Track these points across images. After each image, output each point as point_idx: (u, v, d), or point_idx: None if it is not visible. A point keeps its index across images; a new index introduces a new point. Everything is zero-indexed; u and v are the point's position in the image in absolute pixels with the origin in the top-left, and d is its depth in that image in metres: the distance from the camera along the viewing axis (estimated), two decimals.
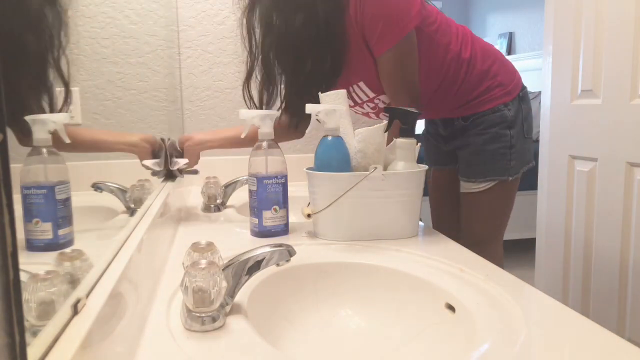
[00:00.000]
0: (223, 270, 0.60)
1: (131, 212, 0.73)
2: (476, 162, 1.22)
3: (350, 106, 1.23)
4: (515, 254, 3.02)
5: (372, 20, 1.05)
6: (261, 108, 1.20)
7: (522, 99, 1.22)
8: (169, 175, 1.20)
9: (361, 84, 1.18)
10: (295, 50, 1.11)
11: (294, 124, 1.23)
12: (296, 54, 1.11)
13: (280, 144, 1.00)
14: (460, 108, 1.22)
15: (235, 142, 1.23)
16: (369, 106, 1.25)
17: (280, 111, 1.21)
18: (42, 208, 0.41)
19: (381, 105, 1.22)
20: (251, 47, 1.17)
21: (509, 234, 3.26)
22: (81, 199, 0.51)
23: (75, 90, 0.51)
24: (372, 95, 1.20)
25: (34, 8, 0.39)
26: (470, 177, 1.23)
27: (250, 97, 1.22)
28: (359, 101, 1.23)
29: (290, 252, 0.64)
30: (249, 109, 1.21)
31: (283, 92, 1.20)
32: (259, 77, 1.19)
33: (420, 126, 1.32)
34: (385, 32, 1.06)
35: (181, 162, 1.21)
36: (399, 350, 0.69)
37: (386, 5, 1.05)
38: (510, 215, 1.28)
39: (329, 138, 0.95)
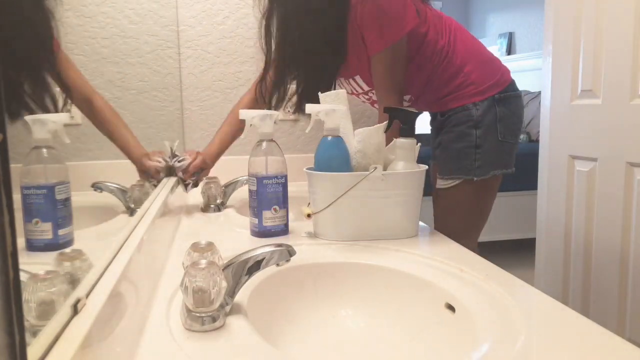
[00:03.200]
0: (223, 270, 0.60)
1: (131, 212, 0.73)
2: (444, 159, 1.25)
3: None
4: (515, 254, 3.02)
5: (369, 22, 1.13)
6: (270, 107, 1.29)
7: (501, 101, 1.21)
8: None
9: (357, 77, 1.26)
10: (308, 52, 1.19)
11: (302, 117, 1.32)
12: (309, 56, 1.20)
13: (280, 144, 1.01)
14: (436, 103, 1.25)
15: (232, 139, 1.36)
16: (364, 97, 1.33)
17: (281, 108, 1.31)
18: (42, 208, 0.41)
19: (375, 98, 1.28)
20: (269, 49, 1.25)
21: (509, 234, 3.27)
22: (81, 199, 0.51)
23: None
24: (366, 88, 1.28)
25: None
26: (439, 174, 1.26)
27: (262, 95, 1.31)
28: (355, 92, 1.32)
29: (290, 252, 0.64)
30: (260, 106, 1.32)
31: (294, 90, 1.29)
32: (271, 78, 1.28)
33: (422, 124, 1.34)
34: (381, 35, 1.13)
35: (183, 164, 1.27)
36: (399, 350, 0.69)
37: (383, 9, 1.12)
38: (485, 216, 1.29)
39: (329, 138, 0.95)
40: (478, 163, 1.20)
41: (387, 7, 1.12)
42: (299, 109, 1.28)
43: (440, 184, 1.25)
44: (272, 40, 1.23)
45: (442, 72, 1.21)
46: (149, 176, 0.98)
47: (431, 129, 1.38)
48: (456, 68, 1.20)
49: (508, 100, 1.22)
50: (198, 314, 0.57)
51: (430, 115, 1.36)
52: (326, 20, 1.16)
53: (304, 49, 1.19)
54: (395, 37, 1.13)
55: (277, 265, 0.65)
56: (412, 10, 1.13)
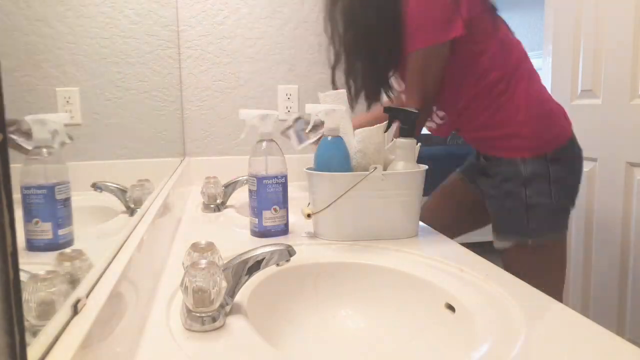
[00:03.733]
0: (223, 270, 0.60)
1: (131, 212, 0.73)
2: (495, 216, 1.17)
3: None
4: None
5: (411, 18, 1.08)
6: (350, 97, 1.22)
7: (555, 160, 1.10)
8: None
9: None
10: (373, 41, 1.14)
11: (369, 106, 1.26)
12: (374, 45, 1.15)
13: (279, 144, 1.00)
14: (479, 139, 1.20)
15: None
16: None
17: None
18: (42, 208, 0.41)
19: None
20: (334, 38, 1.19)
21: None
22: (81, 198, 0.51)
23: (75, 90, 0.51)
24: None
25: None
26: (493, 231, 1.18)
27: (335, 86, 1.24)
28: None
29: (290, 252, 0.64)
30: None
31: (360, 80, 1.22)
32: (343, 67, 1.22)
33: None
34: (417, 34, 1.08)
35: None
36: (399, 350, 0.69)
37: (427, 8, 1.07)
38: (559, 277, 1.15)
39: (329, 138, 0.95)
40: (532, 225, 1.10)
41: (431, 8, 1.06)
42: (356, 100, 1.23)
43: (497, 244, 1.16)
44: (337, 31, 1.18)
45: (494, 110, 1.12)
46: None
47: (472, 161, 1.31)
48: (509, 113, 1.11)
49: (564, 159, 1.12)
50: (198, 314, 0.57)
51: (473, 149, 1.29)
52: (384, 8, 1.10)
53: (364, 38, 1.14)
54: (429, 41, 1.07)
55: (277, 265, 0.65)
56: (458, 21, 1.05)
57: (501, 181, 1.13)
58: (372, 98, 1.23)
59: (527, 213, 1.10)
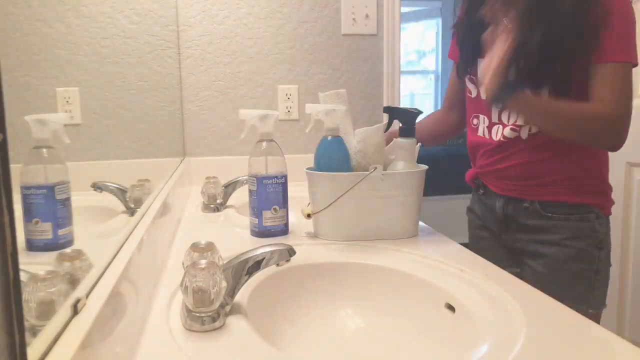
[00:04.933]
0: (223, 270, 0.60)
1: (131, 212, 0.73)
2: (550, 280, 0.97)
3: None
4: None
5: (618, 23, 0.91)
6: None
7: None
8: None
9: None
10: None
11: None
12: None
13: (280, 144, 1.00)
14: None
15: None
16: None
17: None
18: (42, 208, 0.41)
19: None
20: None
21: None
22: (81, 198, 0.51)
23: (75, 90, 0.51)
24: None
25: None
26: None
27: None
28: None
29: (290, 252, 0.64)
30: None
31: None
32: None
33: None
34: (620, 45, 0.92)
35: None
36: (399, 350, 0.69)
37: (629, 24, 0.92)
38: None
39: (329, 138, 0.95)
40: (596, 292, 0.98)
41: (632, 26, 0.92)
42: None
43: None
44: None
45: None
46: None
47: (491, 218, 1.09)
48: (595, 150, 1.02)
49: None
50: (198, 314, 0.57)
51: (501, 198, 1.06)
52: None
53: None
54: (631, 58, 0.92)
55: (277, 265, 0.65)
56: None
57: (570, 238, 0.98)
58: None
59: (595, 279, 0.98)
